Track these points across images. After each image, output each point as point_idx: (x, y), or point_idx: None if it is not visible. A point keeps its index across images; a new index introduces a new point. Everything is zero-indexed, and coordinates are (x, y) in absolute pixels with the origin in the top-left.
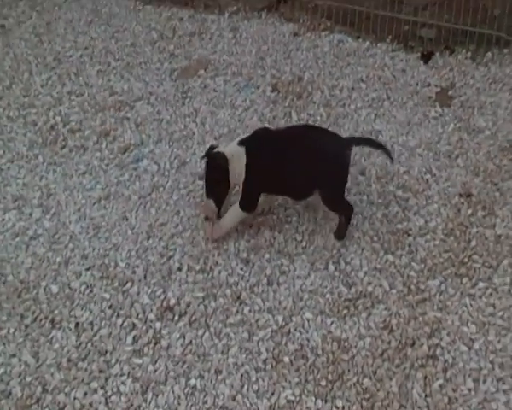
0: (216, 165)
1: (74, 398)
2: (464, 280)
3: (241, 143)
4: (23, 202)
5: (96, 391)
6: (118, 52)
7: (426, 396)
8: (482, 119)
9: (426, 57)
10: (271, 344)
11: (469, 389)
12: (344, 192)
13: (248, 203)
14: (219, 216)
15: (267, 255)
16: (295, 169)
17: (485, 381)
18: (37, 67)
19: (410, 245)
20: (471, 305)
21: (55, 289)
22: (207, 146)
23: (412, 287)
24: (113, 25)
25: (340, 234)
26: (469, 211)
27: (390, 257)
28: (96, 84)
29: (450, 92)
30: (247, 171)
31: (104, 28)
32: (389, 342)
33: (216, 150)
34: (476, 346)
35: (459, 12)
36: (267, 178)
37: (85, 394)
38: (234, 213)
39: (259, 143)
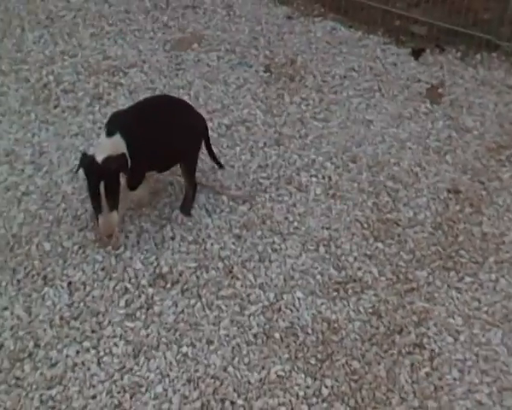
0: (117, 169)
1: (67, 356)
2: (451, 274)
3: (111, 133)
4: (15, 157)
5: (88, 351)
6: (111, 17)
7: (413, 383)
8: (470, 118)
9: (416, 53)
10: (262, 320)
11: (454, 379)
12: None
13: (137, 183)
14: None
15: (259, 233)
16: (165, 143)
17: (469, 372)
18: (30, 24)
19: (399, 235)
20: (457, 298)
21: (47, 246)
22: None
23: (401, 276)
24: None
25: (188, 209)
26: (457, 207)
27: (380, 245)
28: (90, 46)
29: (439, 90)
30: (131, 158)
31: None
32: (377, 328)
33: (100, 156)
34: (462, 338)
35: (451, 12)
36: (147, 156)
37: (78, 352)
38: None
39: (131, 127)
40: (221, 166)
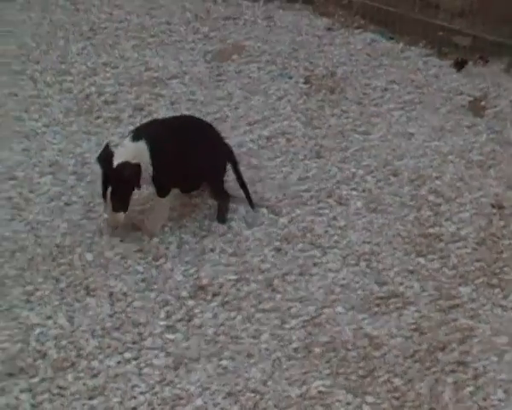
0: (129, 178)
1: (108, 366)
2: (496, 291)
3: (136, 138)
4: (58, 167)
5: (129, 361)
6: (153, 28)
7: (456, 402)
8: None
9: (459, 65)
10: (303, 334)
11: (500, 400)
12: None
13: (165, 192)
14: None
15: (300, 245)
16: (191, 162)
17: None
18: (74, 35)
19: (441, 250)
20: (502, 316)
21: (89, 256)
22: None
23: (444, 292)
24: (149, 1)
25: (224, 218)
26: (501, 223)
27: (422, 260)
28: (132, 58)
29: (483, 103)
30: (153, 168)
31: (139, 3)
32: (420, 344)
33: (119, 159)
34: (507, 358)
35: (495, 23)
36: (169, 169)
37: (119, 363)
38: (160, 204)
39: (158, 138)
40: (253, 207)
